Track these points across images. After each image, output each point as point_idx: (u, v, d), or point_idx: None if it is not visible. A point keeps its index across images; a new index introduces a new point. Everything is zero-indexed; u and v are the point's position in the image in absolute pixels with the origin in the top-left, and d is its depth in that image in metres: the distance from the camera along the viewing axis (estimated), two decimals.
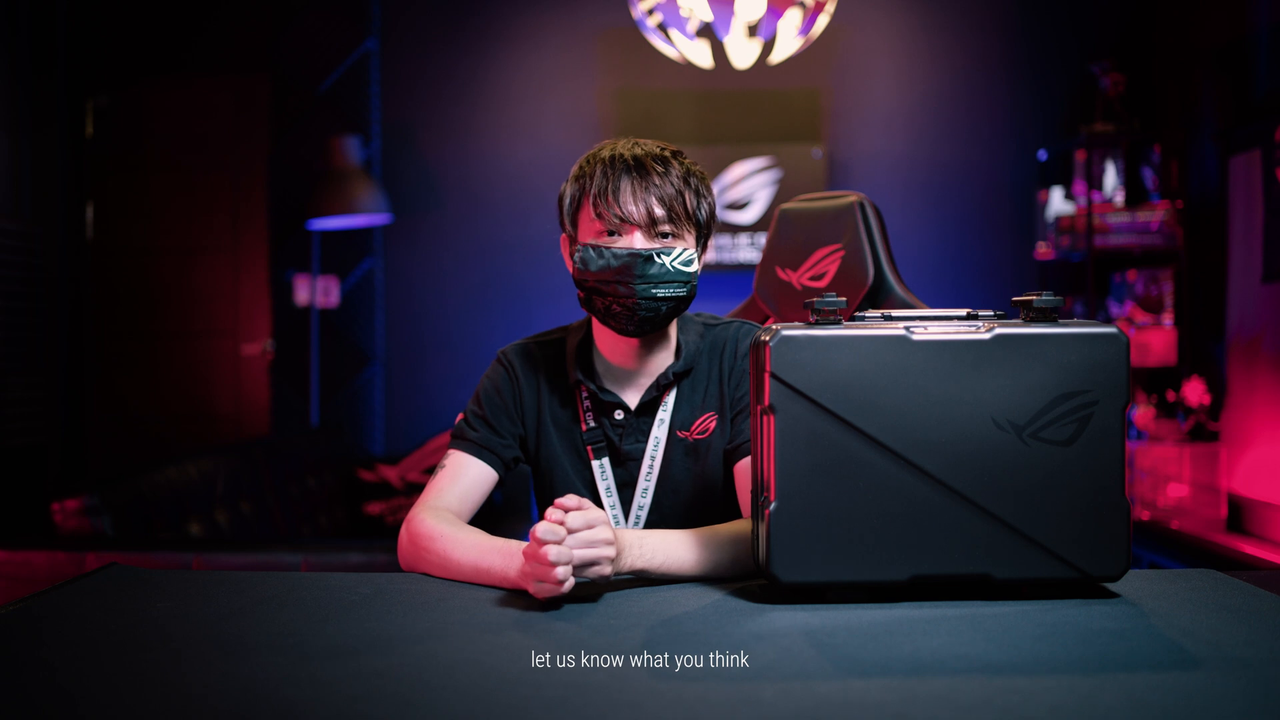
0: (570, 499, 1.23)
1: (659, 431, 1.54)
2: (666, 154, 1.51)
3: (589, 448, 1.55)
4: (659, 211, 1.46)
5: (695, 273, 1.48)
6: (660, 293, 1.44)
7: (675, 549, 1.32)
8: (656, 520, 1.54)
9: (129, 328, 5.02)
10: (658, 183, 1.46)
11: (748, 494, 1.47)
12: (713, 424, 1.54)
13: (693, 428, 1.54)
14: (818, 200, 1.91)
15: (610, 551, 1.22)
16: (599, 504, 1.55)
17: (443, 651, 0.99)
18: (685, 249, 1.47)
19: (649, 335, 1.52)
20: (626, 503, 1.56)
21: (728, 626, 1.07)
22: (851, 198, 1.86)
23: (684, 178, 1.49)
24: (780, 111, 4.73)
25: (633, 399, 1.55)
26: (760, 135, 4.71)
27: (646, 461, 1.54)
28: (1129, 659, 0.95)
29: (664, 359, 1.56)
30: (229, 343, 5.03)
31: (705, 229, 1.53)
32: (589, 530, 1.20)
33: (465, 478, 1.53)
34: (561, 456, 1.57)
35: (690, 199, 1.49)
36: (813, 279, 1.88)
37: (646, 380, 1.55)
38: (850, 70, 4.74)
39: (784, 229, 1.92)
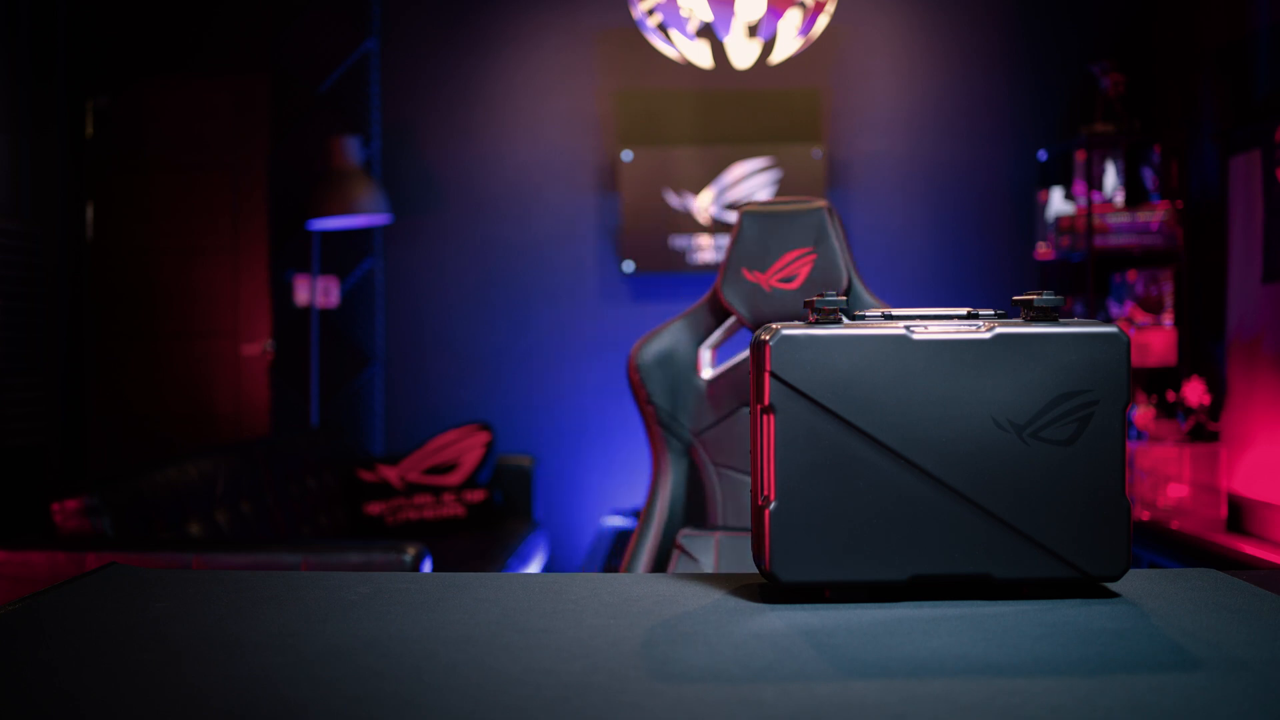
0: None
1: None
2: None
3: None
4: None
5: None
6: None
7: None
8: None
9: (129, 328, 5.02)
10: None
11: None
12: None
13: None
14: (782, 205, 2.02)
15: None
16: None
17: (443, 651, 0.99)
18: None
19: None
20: None
21: (728, 626, 1.07)
22: (820, 203, 1.98)
23: None
24: (780, 111, 4.73)
25: None
26: (760, 135, 4.71)
27: None
28: (1129, 659, 0.95)
29: None
30: (229, 343, 5.03)
31: None
32: None
33: None
34: None
35: None
36: (783, 281, 1.97)
37: None
38: (850, 70, 4.74)
39: (750, 233, 2.00)
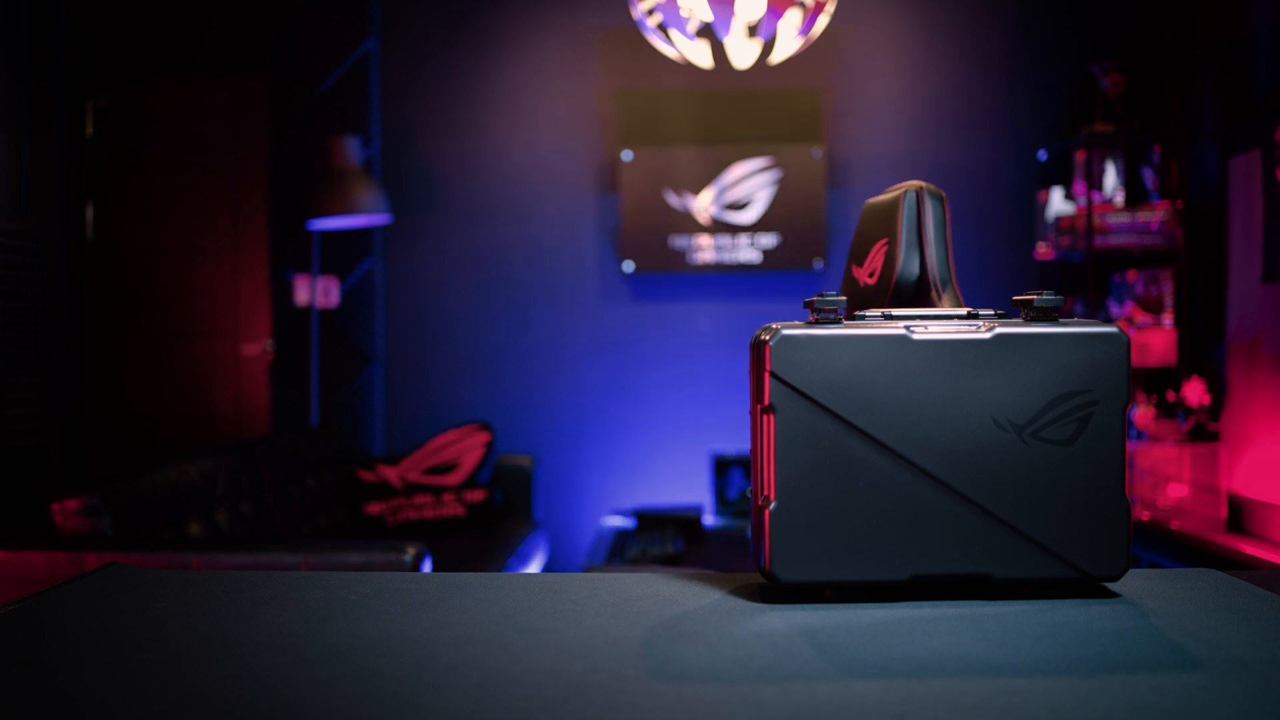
0: None
1: None
2: None
3: None
4: None
5: None
6: None
7: None
8: None
9: (129, 328, 5.02)
10: None
11: None
12: None
13: None
14: (889, 193, 1.74)
15: None
16: None
17: (443, 651, 0.99)
18: None
19: None
20: None
21: (728, 626, 1.07)
22: (903, 187, 1.69)
23: None
24: (780, 111, 4.73)
25: None
26: (760, 135, 4.71)
27: None
28: (1129, 659, 0.95)
29: None
30: (229, 343, 5.03)
31: None
32: None
33: None
34: None
35: None
36: (870, 275, 1.83)
37: None
38: (850, 70, 4.74)
39: (860, 226, 1.80)
